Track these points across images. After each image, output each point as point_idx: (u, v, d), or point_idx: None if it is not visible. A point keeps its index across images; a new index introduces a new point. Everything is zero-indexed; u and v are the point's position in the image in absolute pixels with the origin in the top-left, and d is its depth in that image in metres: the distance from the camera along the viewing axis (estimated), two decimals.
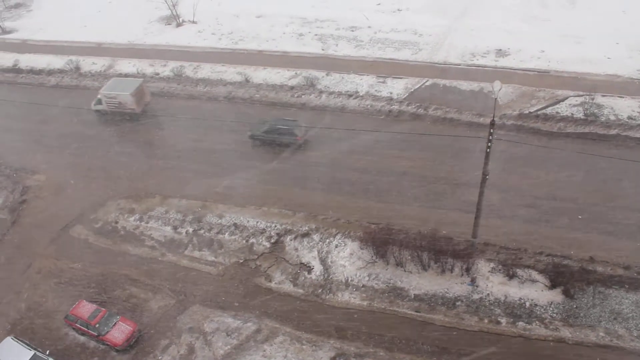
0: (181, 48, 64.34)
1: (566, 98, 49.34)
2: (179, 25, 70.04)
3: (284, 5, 70.56)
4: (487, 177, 33.14)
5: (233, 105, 54.66)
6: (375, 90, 52.56)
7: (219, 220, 41.81)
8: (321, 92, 53.39)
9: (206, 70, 58.88)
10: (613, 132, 46.07)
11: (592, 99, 48.70)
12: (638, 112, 47.36)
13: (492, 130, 31.83)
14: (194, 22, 70.03)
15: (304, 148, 47.61)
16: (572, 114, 47.86)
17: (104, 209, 44.02)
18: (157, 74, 59.74)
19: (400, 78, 53.87)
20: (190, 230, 41.44)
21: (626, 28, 58.54)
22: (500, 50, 56.92)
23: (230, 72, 57.83)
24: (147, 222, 42.38)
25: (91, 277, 38.92)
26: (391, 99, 51.51)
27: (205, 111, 53.20)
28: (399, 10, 66.77)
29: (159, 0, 70.18)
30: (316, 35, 63.57)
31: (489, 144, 32.21)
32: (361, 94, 52.39)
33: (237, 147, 48.71)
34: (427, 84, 53.04)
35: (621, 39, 56.85)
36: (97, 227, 42.69)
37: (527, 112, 48.23)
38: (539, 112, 48.21)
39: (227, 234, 40.79)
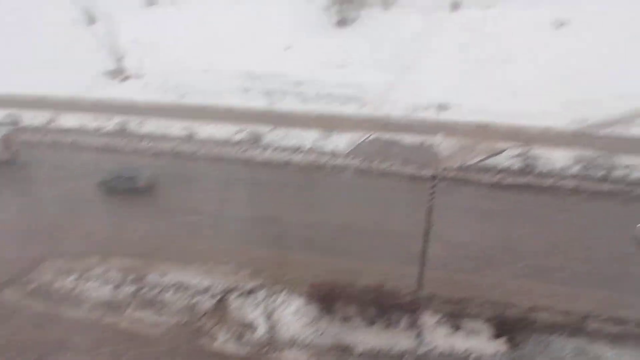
0: (126, 102, 63.86)
1: (505, 150, 50.98)
2: (124, 79, 69.74)
3: (231, 60, 71.30)
4: (431, 228, 33.53)
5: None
6: (320, 145, 53.29)
7: (162, 279, 40.60)
8: (266, 147, 53.69)
9: (151, 125, 58.46)
10: (549, 182, 47.93)
11: (529, 150, 50.64)
12: (571, 162, 49.53)
13: (434, 183, 32.42)
14: (139, 76, 69.81)
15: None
16: (510, 165, 49.63)
17: (38, 270, 42.27)
18: (101, 128, 58.89)
19: (345, 132, 54.74)
20: (131, 290, 40.06)
21: (559, 83, 61.52)
22: (442, 104, 58.72)
23: (176, 127, 57.60)
24: (86, 283, 40.84)
25: (23, 344, 36.90)
26: (336, 153, 52.23)
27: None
28: (343, 65, 68.36)
29: (105, 54, 69.86)
30: (262, 89, 64.24)
31: (432, 196, 32.71)
32: (306, 149, 52.95)
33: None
34: (371, 137, 54.07)
35: (554, 93, 59.59)
36: (30, 290, 40.81)
37: (468, 164, 49.59)
38: (479, 164, 49.65)
39: (169, 293, 39.62)
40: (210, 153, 54.02)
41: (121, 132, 58.08)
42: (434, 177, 32.29)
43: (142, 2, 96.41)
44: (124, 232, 44.82)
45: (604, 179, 48.05)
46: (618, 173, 48.44)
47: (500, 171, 49.13)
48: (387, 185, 47.98)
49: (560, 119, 55.76)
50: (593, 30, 73.62)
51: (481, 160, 50.01)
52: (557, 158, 50.18)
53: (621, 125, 55.46)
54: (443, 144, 51.75)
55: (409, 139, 53.32)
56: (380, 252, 41.43)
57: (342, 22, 79.04)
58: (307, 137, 54.29)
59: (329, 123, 56.55)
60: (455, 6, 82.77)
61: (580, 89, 60.39)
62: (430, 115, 57.32)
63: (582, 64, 65.55)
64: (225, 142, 54.98)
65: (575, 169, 49.16)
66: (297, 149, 53.06)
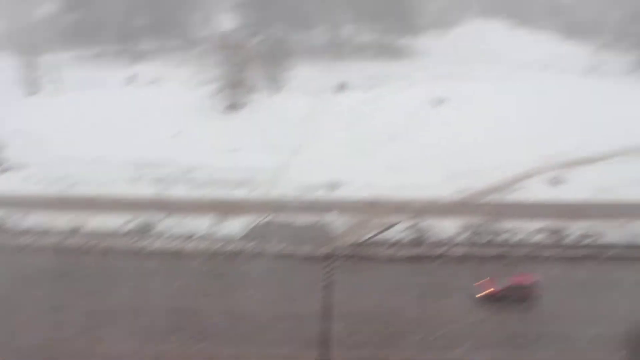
0: (6, 195, 60.00)
1: (396, 224, 52.60)
2: (3, 171, 66.07)
3: (120, 148, 69.66)
4: (331, 308, 33.44)
5: None
6: (214, 231, 52.52)
7: None
8: (158, 236, 52.20)
9: (33, 219, 55.21)
10: (440, 251, 49.94)
11: (419, 222, 52.63)
12: (459, 230, 52.09)
13: (330, 262, 32.64)
14: (21, 167, 66.41)
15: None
16: (403, 238, 51.27)
17: None
18: None
19: (239, 216, 54.36)
20: None
21: (441, 156, 65.31)
22: (333, 182, 60.11)
23: (61, 220, 54.64)
24: None
25: None
26: (230, 238, 51.60)
27: None
28: (234, 149, 68.70)
29: None
30: (153, 177, 62.93)
31: (329, 275, 32.82)
32: (199, 236, 51.98)
33: None
34: (265, 220, 54.11)
35: (438, 166, 63.06)
36: None
37: (362, 240, 50.54)
38: (373, 239, 50.69)
39: None
40: (99, 246, 51.53)
41: None
42: (329, 256, 32.66)
43: (23, 91, 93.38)
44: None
45: (490, 244, 50.83)
46: (502, 237, 51.45)
47: (394, 244, 50.63)
48: (284, 267, 47.77)
49: (445, 190, 58.75)
50: (468, 106, 79.75)
51: (374, 236, 51.02)
52: (446, 227, 52.54)
53: (500, 192, 59.33)
54: (337, 222, 52.76)
55: (302, 219, 53.84)
56: (281, 337, 40.54)
57: (232, 107, 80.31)
58: (201, 224, 53.31)
59: (222, 208, 55.85)
60: (341, 88, 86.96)
61: (460, 160, 64.46)
62: (322, 194, 58.44)
63: (461, 138, 70.36)
64: (115, 234, 52.79)
65: (463, 237, 51.59)
66: (190, 237, 51.92)
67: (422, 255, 49.47)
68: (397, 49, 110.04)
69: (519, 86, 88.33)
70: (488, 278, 44.68)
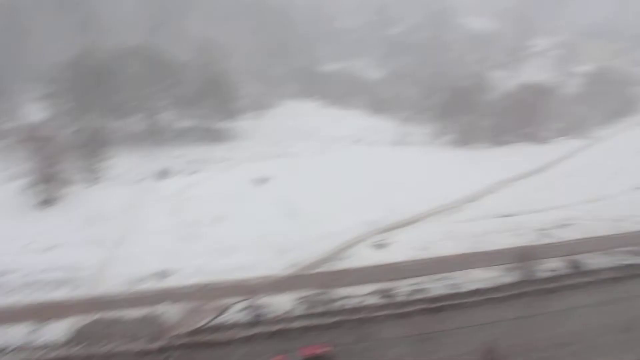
0: None
1: (231, 305, 52.02)
2: None
3: None
4: None
5: None
6: (32, 340, 47.30)
7: None
8: None
9: None
10: (278, 327, 49.93)
11: (254, 301, 52.41)
12: (295, 304, 52.73)
13: (166, 355, 31.23)
14: None
15: None
16: (239, 319, 50.57)
17: None
18: None
19: (61, 319, 49.68)
20: None
21: (267, 233, 66.26)
22: (162, 271, 57.83)
23: None
24: None
25: None
26: (52, 345, 46.76)
27: None
28: (51, 247, 63.50)
29: None
30: None
31: None
32: (14, 348, 46.44)
33: None
34: (92, 319, 50.02)
35: (266, 243, 63.81)
36: None
37: (197, 327, 48.89)
38: (209, 325, 49.34)
39: None
40: None
41: None
42: (165, 349, 31.26)
43: None
44: None
45: (327, 313, 52.02)
46: (337, 304, 53.08)
47: (232, 327, 49.68)
48: None
49: (275, 266, 59.61)
50: (289, 182, 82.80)
51: (210, 320, 49.89)
52: (282, 303, 53.01)
53: (330, 261, 61.45)
54: (170, 312, 50.47)
55: (133, 313, 50.67)
56: None
57: (46, 202, 74.64)
58: (16, 333, 47.76)
59: (40, 312, 50.59)
60: (162, 174, 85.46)
61: (287, 235, 65.94)
62: (152, 285, 55.76)
63: (286, 213, 72.23)
64: None
65: (300, 310, 52.23)
66: (2, 350, 46.00)
67: (261, 334, 48.98)
68: (217, 133, 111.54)
69: (335, 159, 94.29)
70: (279, 355, 44.98)
